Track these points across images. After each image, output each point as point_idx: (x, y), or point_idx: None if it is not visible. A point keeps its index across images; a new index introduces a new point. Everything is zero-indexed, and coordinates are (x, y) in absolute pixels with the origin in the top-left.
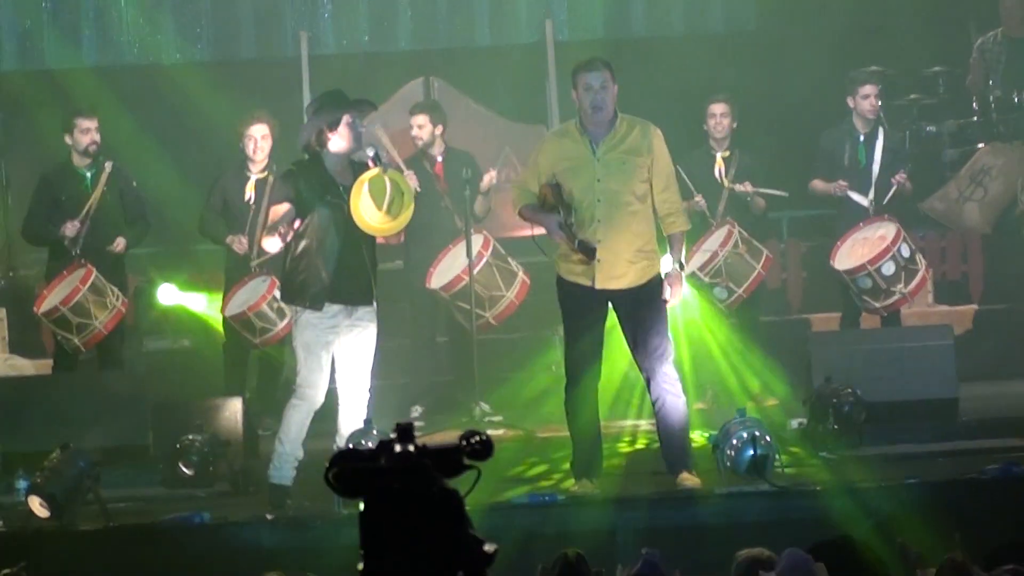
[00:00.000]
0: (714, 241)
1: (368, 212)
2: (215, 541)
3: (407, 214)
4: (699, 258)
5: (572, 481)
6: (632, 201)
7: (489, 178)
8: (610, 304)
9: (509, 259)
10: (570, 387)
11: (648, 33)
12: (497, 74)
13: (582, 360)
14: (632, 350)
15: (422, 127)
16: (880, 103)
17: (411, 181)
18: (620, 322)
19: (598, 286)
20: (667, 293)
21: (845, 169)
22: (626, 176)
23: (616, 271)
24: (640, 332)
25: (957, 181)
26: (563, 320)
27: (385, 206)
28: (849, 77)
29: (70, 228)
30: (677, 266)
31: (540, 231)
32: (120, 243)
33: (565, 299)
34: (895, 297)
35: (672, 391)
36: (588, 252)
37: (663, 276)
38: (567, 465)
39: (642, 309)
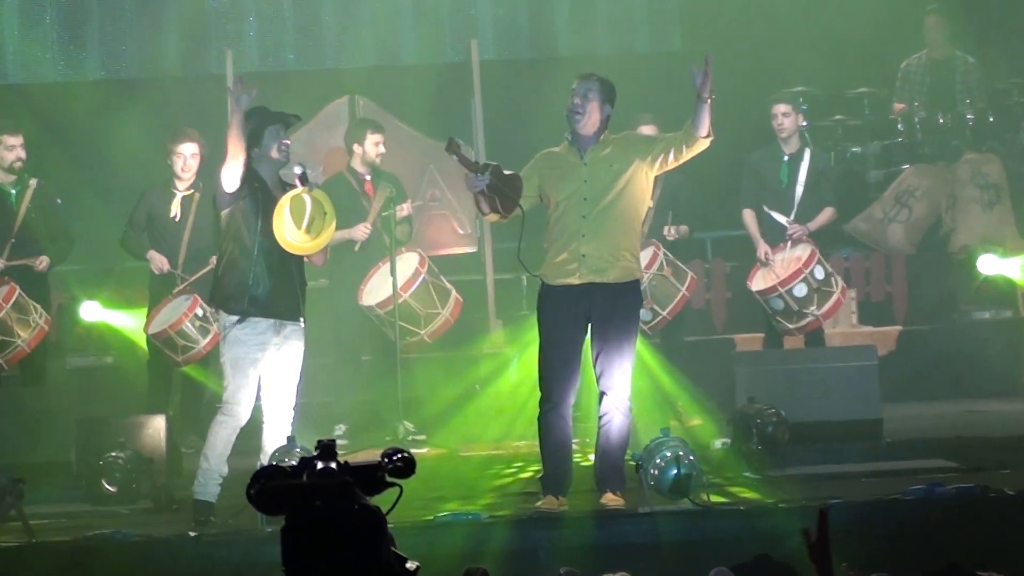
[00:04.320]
0: None
1: (288, 231)
2: (138, 558)
3: (328, 233)
4: None
5: (538, 497)
6: (617, 202)
7: (406, 207)
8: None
9: (442, 277)
10: (544, 401)
11: (573, 53)
12: (422, 93)
13: (558, 373)
14: (594, 359)
15: (377, 144)
16: (805, 123)
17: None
18: (592, 328)
19: (583, 280)
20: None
21: (770, 189)
22: (612, 178)
23: (600, 265)
24: (608, 344)
25: (882, 202)
26: (542, 333)
27: (305, 224)
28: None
29: None
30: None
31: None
32: (43, 261)
33: (548, 307)
34: (807, 319)
35: (622, 410)
36: (476, 168)
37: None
38: (490, 483)
39: (617, 320)
